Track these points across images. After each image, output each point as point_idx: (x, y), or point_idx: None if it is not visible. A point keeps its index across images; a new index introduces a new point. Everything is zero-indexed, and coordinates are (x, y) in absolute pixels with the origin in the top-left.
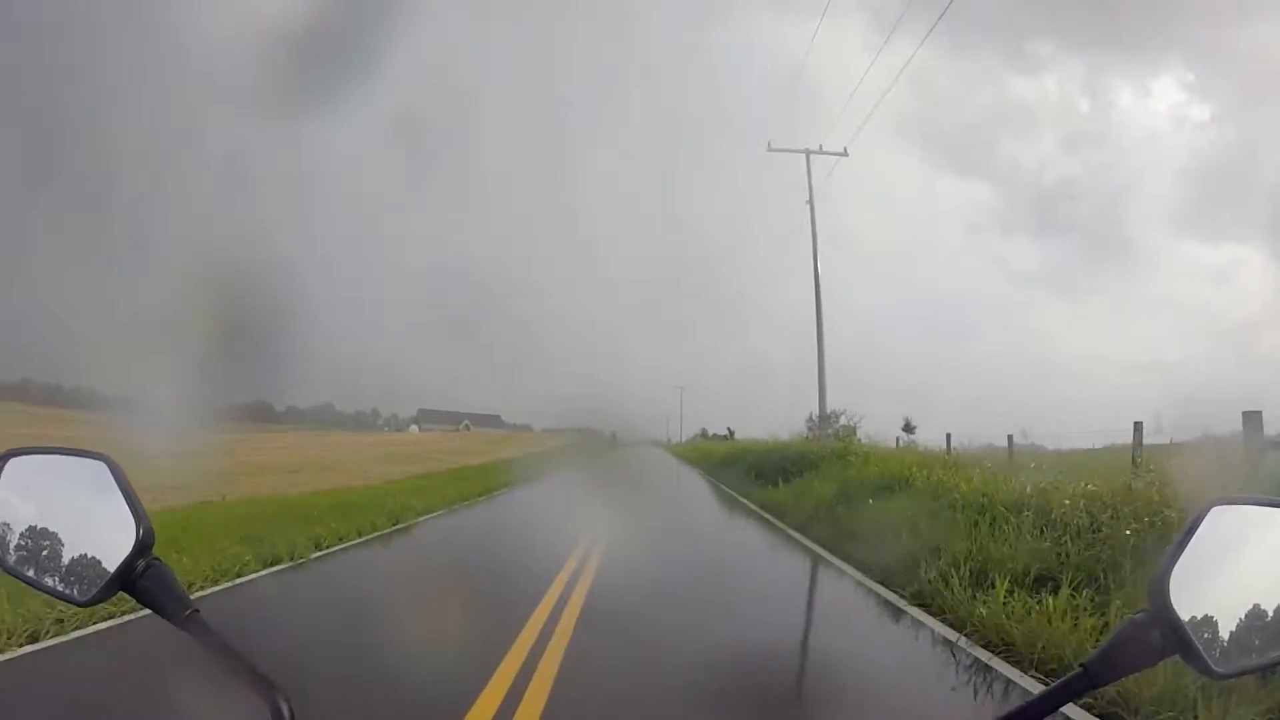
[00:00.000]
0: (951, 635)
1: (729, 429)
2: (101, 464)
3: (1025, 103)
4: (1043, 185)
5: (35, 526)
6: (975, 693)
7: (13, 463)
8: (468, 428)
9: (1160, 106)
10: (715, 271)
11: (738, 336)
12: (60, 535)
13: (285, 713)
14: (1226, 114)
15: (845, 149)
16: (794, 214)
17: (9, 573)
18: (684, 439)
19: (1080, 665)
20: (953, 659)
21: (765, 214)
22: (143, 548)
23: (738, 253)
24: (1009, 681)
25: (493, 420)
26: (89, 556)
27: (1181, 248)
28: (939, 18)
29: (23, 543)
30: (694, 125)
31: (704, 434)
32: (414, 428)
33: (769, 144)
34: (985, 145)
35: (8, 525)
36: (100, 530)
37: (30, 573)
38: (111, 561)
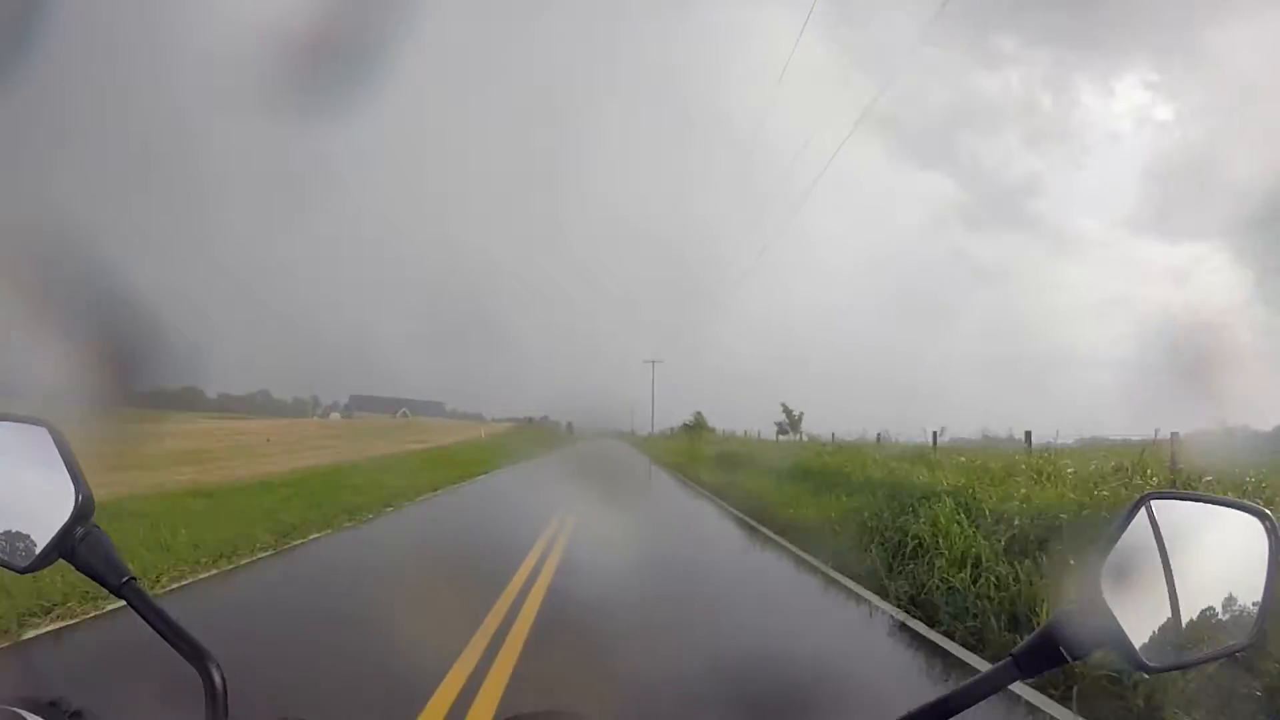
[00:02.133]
0: None
1: (787, 409)
2: (43, 429)
3: (989, 98)
4: (1005, 181)
5: None
6: None
7: None
8: (405, 415)
9: (1123, 106)
10: (686, 254)
11: (716, 324)
12: None
13: (216, 679)
14: (1190, 114)
15: None
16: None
17: None
18: (656, 430)
19: (1009, 655)
20: None
21: (746, 193)
22: (82, 515)
23: (714, 236)
24: None
25: (434, 408)
26: (28, 523)
27: (1142, 246)
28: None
29: None
30: (669, 117)
31: (697, 422)
32: (335, 415)
33: None
34: (949, 140)
35: None
36: (40, 497)
37: None
38: (51, 529)
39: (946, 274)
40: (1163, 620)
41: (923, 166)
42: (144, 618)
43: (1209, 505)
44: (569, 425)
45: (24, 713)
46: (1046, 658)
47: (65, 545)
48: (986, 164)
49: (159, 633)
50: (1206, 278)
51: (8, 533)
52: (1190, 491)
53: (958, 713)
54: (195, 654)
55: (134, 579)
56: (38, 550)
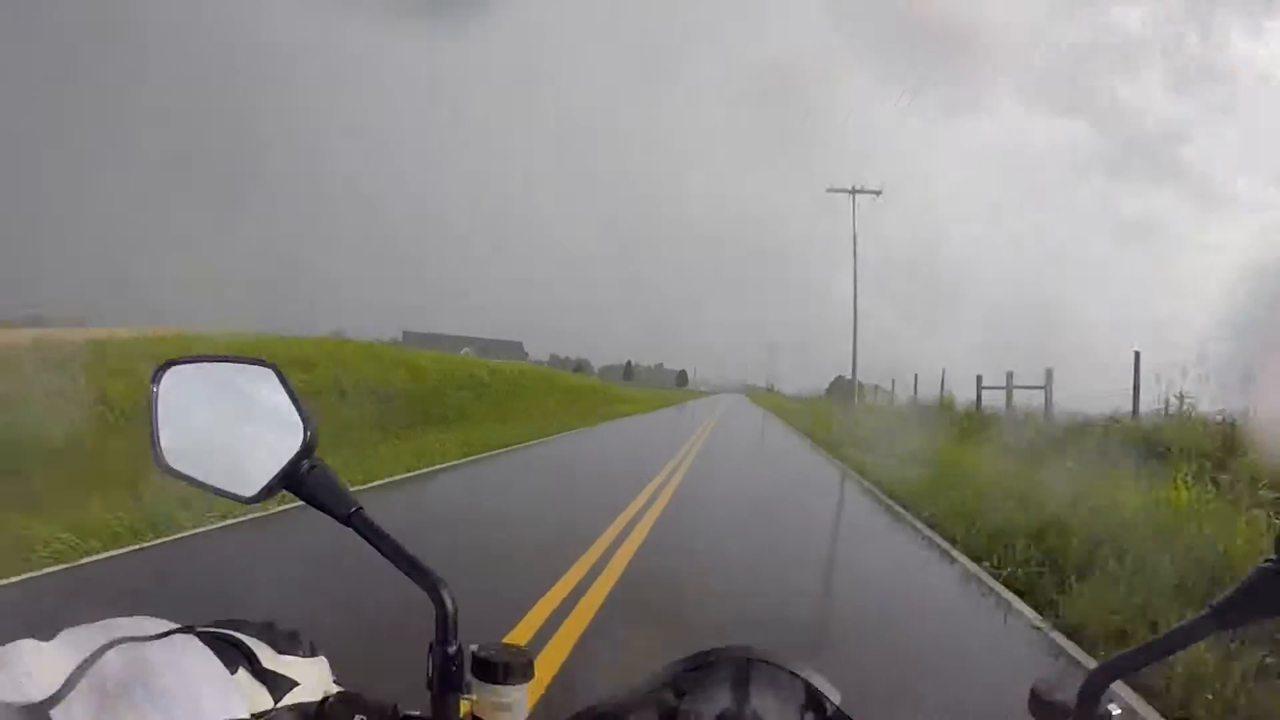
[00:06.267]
0: None
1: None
2: (268, 370)
3: (1130, 35)
4: (1147, 127)
5: (197, 430)
6: None
7: (173, 370)
8: (467, 354)
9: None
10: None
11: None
12: (224, 437)
13: (448, 603)
14: None
15: None
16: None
17: (172, 474)
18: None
19: (1209, 607)
20: None
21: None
22: (307, 450)
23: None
24: None
25: (513, 349)
26: (255, 457)
27: None
28: None
29: (185, 446)
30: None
31: None
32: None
33: None
34: (1083, 81)
35: (171, 430)
36: (264, 433)
37: (194, 474)
38: (275, 463)
39: (1084, 228)
40: None
41: (1055, 111)
42: (375, 546)
43: None
44: (681, 375)
45: (240, 635)
46: (1247, 611)
47: (292, 478)
48: (1126, 108)
49: (391, 560)
50: None
51: (232, 466)
52: None
53: (1153, 662)
54: (426, 578)
55: (361, 509)
56: (264, 482)
